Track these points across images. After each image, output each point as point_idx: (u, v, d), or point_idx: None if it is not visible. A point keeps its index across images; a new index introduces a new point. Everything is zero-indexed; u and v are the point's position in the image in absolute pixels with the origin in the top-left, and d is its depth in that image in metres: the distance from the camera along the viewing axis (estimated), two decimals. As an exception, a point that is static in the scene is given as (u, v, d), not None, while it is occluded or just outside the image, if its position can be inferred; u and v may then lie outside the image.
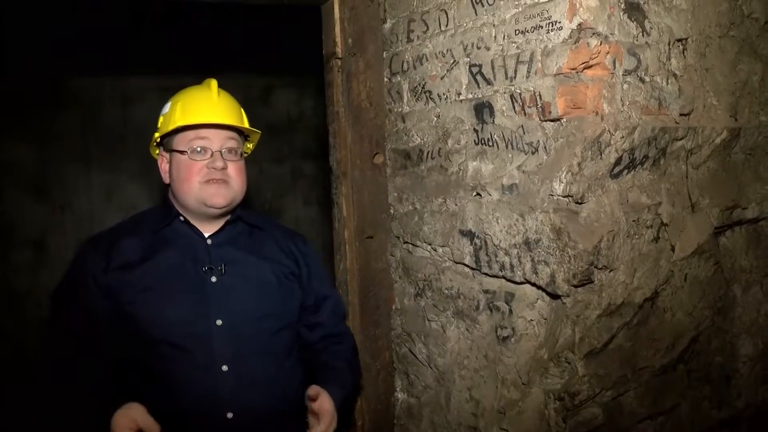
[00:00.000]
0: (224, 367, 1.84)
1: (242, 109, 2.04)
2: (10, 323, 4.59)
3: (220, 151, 1.89)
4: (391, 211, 2.26)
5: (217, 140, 1.90)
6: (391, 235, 2.26)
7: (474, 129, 1.87)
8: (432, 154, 2.04)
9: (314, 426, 1.81)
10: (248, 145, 2.10)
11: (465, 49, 1.88)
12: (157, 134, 1.98)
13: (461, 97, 1.91)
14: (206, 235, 1.97)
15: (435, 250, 2.05)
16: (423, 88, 2.07)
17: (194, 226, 1.95)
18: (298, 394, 1.90)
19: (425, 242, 2.08)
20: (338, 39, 2.24)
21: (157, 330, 1.82)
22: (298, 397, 1.89)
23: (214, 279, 1.90)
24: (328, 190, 2.31)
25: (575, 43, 1.55)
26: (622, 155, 1.58)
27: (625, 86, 1.59)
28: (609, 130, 1.55)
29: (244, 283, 1.93)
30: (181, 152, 1.89)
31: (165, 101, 2.01)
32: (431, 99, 2.04)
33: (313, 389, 1.82)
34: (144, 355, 1.82)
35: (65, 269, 1.94)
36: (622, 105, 1.59)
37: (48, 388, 1.88)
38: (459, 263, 1.94)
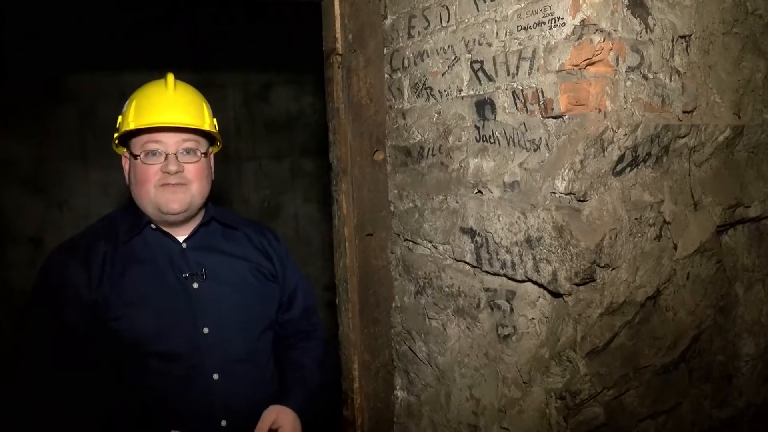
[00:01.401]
0: (215, 375, 1.81)
1: (205, 104, 1.93)
2: (6, 320, 4.58)
3: (175, 154, 1.80)
4: (392, 208, 2.24)
5: (171, 142, 1.80)
6: (391, 232, 2.25)
7: (475, 126, 1.85)
8: (433, 151, 2.03)
9: None
10: (217, 143, 1.99)
11: (466, 45, 1.87)
12: (115, 135, 1.89)
13: (462, 94, 1.90)
14: (180, 239, 1.90)
15: (435, 248, 2.03)
16: (424, 84, 2.06)
17: (167, 232, 1.88)
18: (278, 396, 1.92)
19: (426, 240, 2.07)
20: (338, 35, 2.23)
21: (145, 344, 1.77)
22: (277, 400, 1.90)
23: (195, 285, 1.85)
24: (328, 187, 2.30)
25: (578, 39, 1.54)
26: (624, 153, 1.57)
27: (628, 83, 1.58)
28: (612, 128, 1.54)
29: (225, 287, 1.88)
30: (136, 156, 1.80)
31: None
32: (432, 95, 2.03)
33: (270, 412, 1.82)
34: (132, 369, 1.77)
35: (39, 274, 1.83)
36: (625, 102, 1.58)
37: (30, 409, 1.79)
38: (460, 261, 1.93)
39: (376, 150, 2.23)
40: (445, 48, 1.96)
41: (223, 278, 1.89)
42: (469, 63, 1.86)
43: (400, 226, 2.20)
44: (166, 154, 1.79)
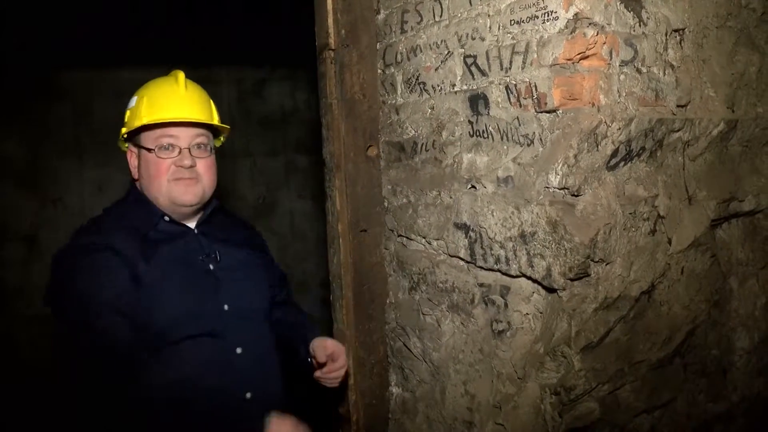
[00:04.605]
0: (238, 350, 1.89)
1: (211, 102, 2.01)
2: (0, 320, 4.57)
3: (188, 149, 1.87)
4: (386, 204, 2.23)
5: (184, 137, 1.87)
6: (385, 228, 2.24)
7: (469, 121, 1.84)
8: (426, 146, 2.02)
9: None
10: (219, 138, 2.10)
11: (459, 40, 1.86)
12: (123, 129, 1.94)
13: (456, 89, 1.89)
14: (192, 226, 1.98)
15: (429, 244, 2.03)
16: (417, 79, 2.05)
17: (180, 222, 1.96)
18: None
19: (420, 235, 2.06)
20: (331, 30, 2.21)
21: (170, 323, 1.81)
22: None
23: (212, 266, 1.93)
24: (322, 183, 2.29)
25: (571, 33, 1.53)
26: (618, 147, 1.56)
27: (622, 77, 1.57)
28: (605, 122, 1.53)
29: (237, 269, 1.98)
30: (149, 150, 1.86)
31: None
32: (425, 90, 2.02)
33: (319, 341, 2.03)
34: (159, 347, 1.80)
35: (61, 276, 1.78)
36: (619, 96, 1.57)
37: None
38: (454, 256, 1.92)
39: (370, 145, 2.22)
40: (438, 43, 1.95)
41: (233, 261, 1.99)
42: (462, 58, 1.85)
43: (394, 221, 2.19)
44: (180, 149, 1.87)
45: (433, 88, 1.98)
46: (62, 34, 4.40)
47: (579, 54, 1.53)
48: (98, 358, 1.72)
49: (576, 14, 1.52)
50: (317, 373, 2.05)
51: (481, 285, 1.83)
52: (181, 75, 1.96)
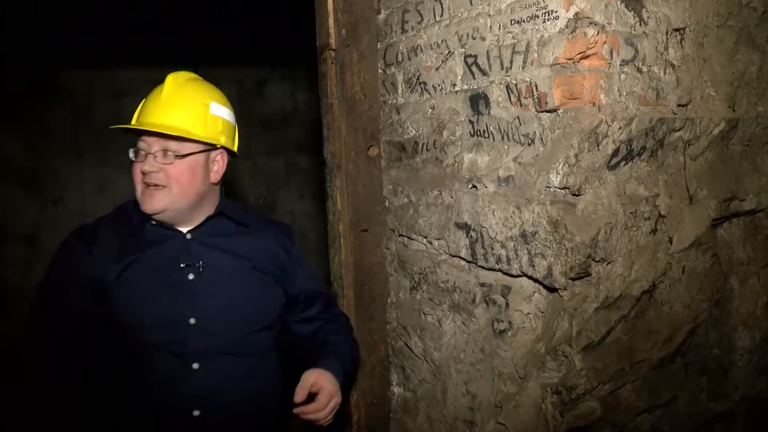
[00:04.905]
0: (195, 365, 1.82)
1: (204, 107, 1.91)
2: (2, 320, 4.56)
3: (153, 155, 1.82)
4: (386, 203, 2.24)
5: (152, 143, 1.83)
6: (386, 228, 2.24)
7: (469, 120, 1.84)
8: (427, 146, 2.02)
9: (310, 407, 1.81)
10: (219, 139, 1.95)
11: (460, 40, 1.86)
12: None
13: (456, 89, 1.89)
14: (185, 230, 1.93)
15: (430, 243, 2.03)
16: (418, 79, 2.05)
17: (168, 226, 1.91)
18: (275, 394, 1.93)
19: (421, 235, 2.06)
20: (332, 30, 2.21)
21: (133, 329, 1.80)
22: (274, 398, 1.93)
23: (191, 276, 1.87)
24: (323, 183, 2.29)
25: (572, 32, 1.53)
26: (619, 146, 1.57)
27: (623, 76, 1.57)
28: (606, 121, 1.54)
29: (221, 281, 1.90)
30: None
31: None
32: (426, 90, 2.02)
33: (309, 374, 1.83)
34: (117, 353, 1.81)
35: (49, 262, 1.91)
36: (620, 95, 1.57)
37: (27, 392, 1.87)
38: (455, 256, 1.92)
39: (371, 145, 2.22)
40: (439, 42, 1.95)
41: (220, 272, 1.91)
42: (462, 57, 1.85)
43: (395, 221, 2.19)
44: (147, 154, 1.83)
45: (433, 87, 1.98)
46: (62, 34, 4.40)
47: (579, 53, 1.53)
48: (38, 347, 1.87)
49: (576, 14, 1.52)
50: (295, 410, 1.84)
51: (482, 285, 1.83)
52: (168, 79, 1.92)
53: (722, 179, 1.79)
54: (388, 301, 2.25)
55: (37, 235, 4.87)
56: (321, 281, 2.16)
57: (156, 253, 1.88)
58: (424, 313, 2.06)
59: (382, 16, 2.22)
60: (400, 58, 2.14)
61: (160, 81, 1.95)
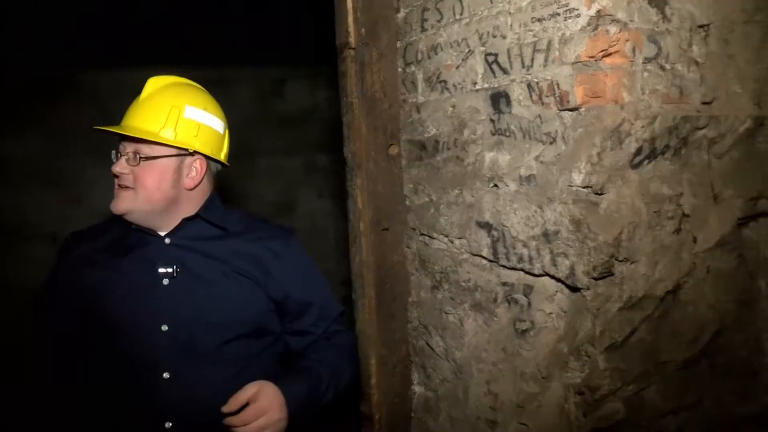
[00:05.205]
0: (165, 375, 1.78)
1: (177, 109, 1.88)
2: (23, 319, 4.62)
3: (127, 157, 1.84)
4: (407, 202, 2.23)
5: (127, 145, 1.86)
6: (406, 227, 2.24)
7: (490, 119, 1.83)
8: (448, 144, 2.02)
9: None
10: (194, 143, 1.90)
11: (480, 38, 1.85)
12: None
13: (477, 87, 1.88)
14: (162, 233, 1.91)
15: (452, 242, 2.02)
16: (438, 78, 2.04)
17: (147, 229, 1.89)
18: None
19: (442, 234, 2.06)
20: (351, 29, 2.21)
21: (105, 334, 1.79)
22: None
23: (166, 281, 1.84)
24: (343, 182, 2.29)
25: (594, 30, 1.52)
26: (642, 145, 1.55)
27: (646, 74, 1.56)
28: (629, 120, 1.52)
29: (197, 287, 1.86)
30: None
31: None
32: (446, 89, 2.01)
33: (251, 386, 1.71)
34: (95, 358, 1.81)
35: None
36: (643, 93, 1.55)
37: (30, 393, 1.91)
38: (476, 255, 1.92)
39: (391, 144, 2.22)
40: (459, 41, 1.94)
41: (197, 277, 1.87)
42: (483, 56, 1.84)
43: (416, 220, 2.18)
44: (121, 156, 1.86)
45: (454, 86, 1.98)
46: (85, 34, 4.44)
47: (601, 51, 1.52)
48: (38, 347, 1.94)
49: (598, 11, 1.50)
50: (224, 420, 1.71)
51: (504, 284, 1.82)
52: (148, 82, 1.92)
53: (748, 178, 1.76)
54: (409, 300, 2.24)
55: (61, 233, 4.91)
56: (324, 295, 2.06)
57: (134, 257, 1.87)
58: (446, 313, 2.06)
59: (401, 14, 2.21)
60: (419, 56, 2.13)
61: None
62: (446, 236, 2.04)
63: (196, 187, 1.93)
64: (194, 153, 1.90)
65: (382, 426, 2.25)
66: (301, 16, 4.71)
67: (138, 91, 1.94)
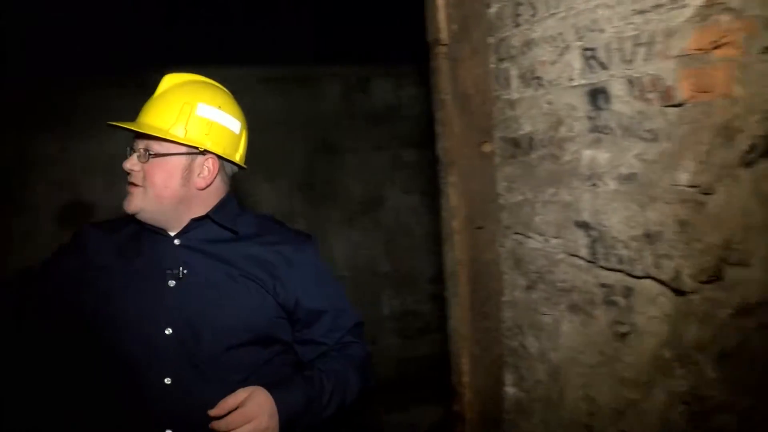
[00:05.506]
0: (167, 380, 1.75)
1: (189, 107, 1.85)
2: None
3: (138, 154, 1.81)
4: (500, 200, 2.20)
5: (139, 142, 1.83)
6: (500, 225, 2.21)
7: (588, 116, 1.78)
8: (543, 142, 1.97)
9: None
10: (205, 142, 1.87)
11: (577, 32, 1.79)
12: None
13: (574, 83, 1.83)
14: (172, 234, 1.88)
15: (547, 242, 1.98)
16: (532, 74, 2.00)
17: (157, 229, 1.87)
18: None
19: (537, 233, 2.02)
20: (443, 25, 2.20)
21: (105, 335, 1.78)
22: None
23: (172, 283, 1.81)
24: (430, 179, 2.28)
25: (703, 20, 1.45)
26: (756, 142, 1.46)
27: (760, 66, 1.47)
28: (741, 115, 1.44)
29: (203, 290, 1.82)
30: None
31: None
32: (541, 85, 1.97)
33: (242, 390, 1.68)
34: (92, 359, 1.81)
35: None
36: (757, 87, 1.47)
37: None
38: (573, 255, 1.87)
39: (484, 141, 2.19)
40: (554, 36, 1.89)
41: (204, 281, 1.83)
42: (580, 51, 1.79)
43: (510, 218, 2.15)
44: (133, 153, 1.84)
45: (549, 82, 1.93)
46: (158, 34, 4.60)
47: (711, 43, 1.44)
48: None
49: (708, 0, 1.43)
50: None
51: (603, 285, 1.76)
52: (164, 79, 1.89)
53: None
54: (503, 299, 2.21)
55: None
56: (338, 304, 2.00)
57: (143, 256, 1.85)
58: (541, 313, 2.02)
59: (492, 9, 2.17)
60: (513, 52, 2.09)
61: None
62: (542, 235, 2.00)
63: (207, 187, 1.88)
64: (206, 152, 1.86)
65: (474, 426, 2.23)
66: (384, 16, 4.73)
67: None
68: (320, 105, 5.69)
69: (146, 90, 1.96)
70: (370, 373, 2.05)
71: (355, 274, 5.79)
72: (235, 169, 1.99)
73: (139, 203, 1.81)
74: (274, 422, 1.67)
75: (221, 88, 2.00)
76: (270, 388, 1.72)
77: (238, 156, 1.96)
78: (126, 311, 1.79)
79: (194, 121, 1.83)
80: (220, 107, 1.89)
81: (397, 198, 5.85)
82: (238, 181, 5.24)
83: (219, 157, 1.89)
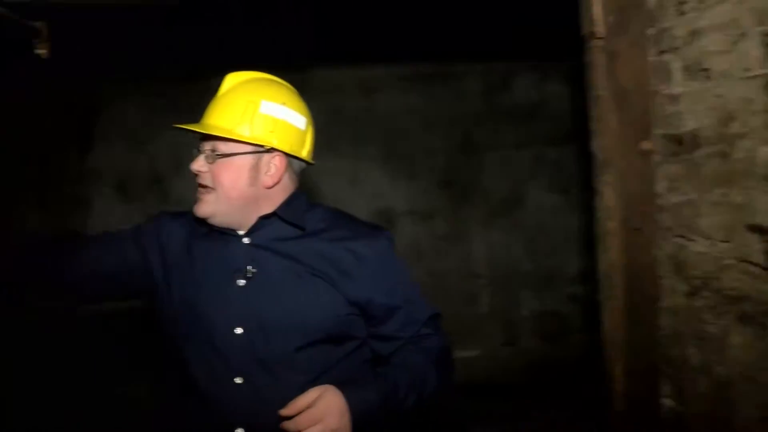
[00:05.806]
0: (238, 379, 1.73)
1: (253, 105, 1.82)
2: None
3: (205, 155, 1.79)
4: (659, 201, 2.07)
5: (205, 143, 1.80)
6: (658, 227, 2.08)
7: (767, 110, 1.64)
8: (710, 139, 1.84)
9: None
10: (270, 140, 1.82)
11: (757, 17, 1.65)
12: None
13: (750, 74, 1.68)
14: (241, 233, 1.86)
15: (714, 246, 1.84)
16: (698, 65, 1.87)
17: (225, 229, 1.85)
18: None
19: (701, 236, 1.88)
20: (598, 17, 2.11)
21: (177, 331, 1.80)
22: None
23: (241, 282, 1.79)
24: (574, 177, 2.19)
25: None
26: None
27: None
28: None
29: (273, 289, 1.79)
30: None
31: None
32: (709, 78, 1.83)
33: (313, 390, 1.63)
34: (174, 348, 1.83)
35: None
36: None
37: None
38: (745, 261, 1.73)
39: (642, 139, 2.08)
40: (727, 23, 1.75)
41: (273, 279, 1.80)
42: (760, 38, 1.64)
43: (670, 220, 2.02)
44: (201, 154, 1.82)
45: (719, 74, 1.79)
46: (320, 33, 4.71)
47: None
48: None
49: None
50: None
51: (780, 295, 1.62)
52: (226, 78, 1.87)
53: None
54: (660, 305, 2.09)
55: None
56: (412, 299, 1.93)
57: (212, 255, 1.85)
58: (705, 322, 1.88)
59: (654, -1, 2.05)
60: (676, 43, 1.96)
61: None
62: (707, 239, 1.86)
63: (275, 185, 1.85)
64: (272, 150, 1.82)
65: (627, 436, 2.13)
66: (528, 10, 4.62)
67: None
68: (461, 102, 5.66)
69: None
70: (450, 364, 1.99)
71: (495, 274, 5.72)
72: (303, 165, 1.96)
73: (212, 208, 1.81)
74: (345, 421, 1.64)
75: (285, 85, 1.98)
76: (342, 386, 1.69)
77: (304, 152, 1.93)
78: (195, 310, 1.83)
79: (258, 119, 1.81)
80: (284, 104, 1.87)
81: (539, 197, 5.70)
82: (366, 178, 5.36)
83: (286, 154, 1.87)
